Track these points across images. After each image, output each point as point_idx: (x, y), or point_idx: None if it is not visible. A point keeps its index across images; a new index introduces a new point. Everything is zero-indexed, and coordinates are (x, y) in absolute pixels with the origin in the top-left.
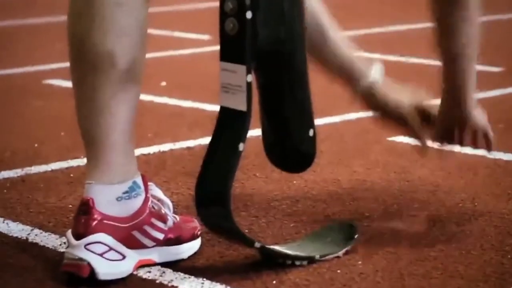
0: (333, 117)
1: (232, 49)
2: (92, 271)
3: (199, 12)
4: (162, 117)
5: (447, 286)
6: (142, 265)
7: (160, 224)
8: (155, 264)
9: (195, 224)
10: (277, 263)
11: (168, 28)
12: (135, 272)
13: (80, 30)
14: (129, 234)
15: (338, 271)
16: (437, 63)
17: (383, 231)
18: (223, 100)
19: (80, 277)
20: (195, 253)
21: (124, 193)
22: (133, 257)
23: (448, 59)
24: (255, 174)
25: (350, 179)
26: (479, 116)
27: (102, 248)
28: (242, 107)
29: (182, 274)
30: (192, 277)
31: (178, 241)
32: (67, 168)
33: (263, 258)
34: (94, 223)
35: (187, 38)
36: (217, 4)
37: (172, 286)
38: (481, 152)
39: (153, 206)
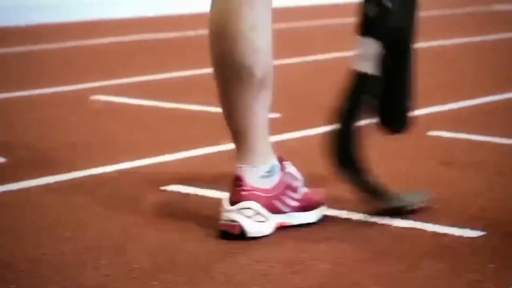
0: None
1: (369, 27)
2: (242, 230)
3: None
4: None
5: None
6: (279, 227)
7: (293, 195)
8: (290, 226)
9: (321, 195)
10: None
11: None
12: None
13: (223, 50)
14: (271, 202)
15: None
16: None
17: None
18: (359, 66)
19: (233, 234)
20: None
21: (266, 172)
22: (274, 219)
23: None
24: None
25: None
26: None
27: (251, 212)
28: (368, 69)
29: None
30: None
31: (308, 208)
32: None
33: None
34: (245, 193)
35: None
36: None
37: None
38: None
39: (288, 181)
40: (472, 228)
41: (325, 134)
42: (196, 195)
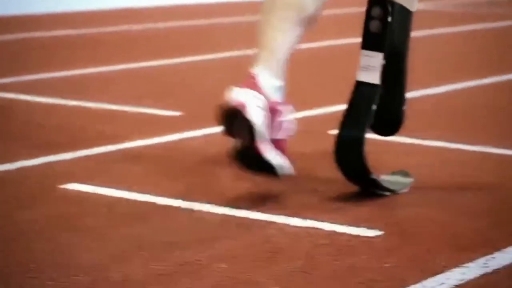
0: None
1: (373, 42)
2: (245, 107)
3: None
4: None
5: None
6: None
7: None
8: None
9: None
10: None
11: None
12: None
13: None
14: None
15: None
16: None
17: None
18: (361, 76)
19: (236, 110)
20: None
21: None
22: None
23: None
24: None
25: None
26: None
27: (256, 101)
28: (376, 80)
29: None
30: None
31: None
32: None
33: (371, 188)
34: (256, 87)
35: None
36: None
37: None
38: None
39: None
40: (370, 227)
41: (334, 144)
42: (95, 194)
